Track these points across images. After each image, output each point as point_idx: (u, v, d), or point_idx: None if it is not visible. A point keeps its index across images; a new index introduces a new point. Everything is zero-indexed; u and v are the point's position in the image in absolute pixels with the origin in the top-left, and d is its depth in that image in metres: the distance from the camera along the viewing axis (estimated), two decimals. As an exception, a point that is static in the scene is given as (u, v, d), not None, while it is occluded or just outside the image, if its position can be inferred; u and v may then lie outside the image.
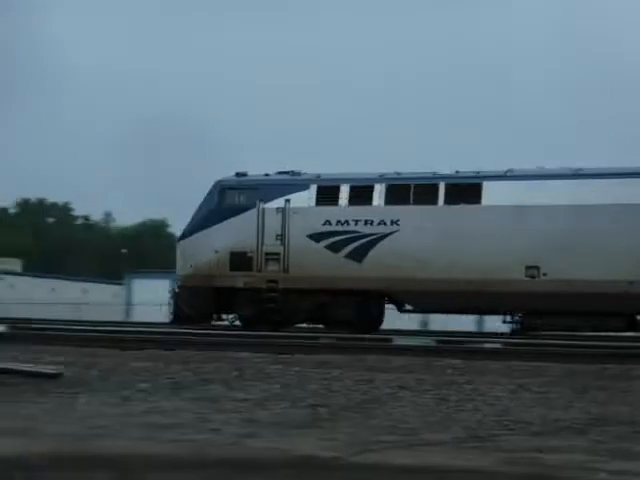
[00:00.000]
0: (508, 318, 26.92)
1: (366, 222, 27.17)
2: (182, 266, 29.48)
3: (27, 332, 24.89)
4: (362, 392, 13.30)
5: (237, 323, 29.73)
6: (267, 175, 29.27)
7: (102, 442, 9.22)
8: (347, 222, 27.34)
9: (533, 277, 25.45)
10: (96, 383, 14.63)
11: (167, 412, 11.33)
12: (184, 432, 9.63)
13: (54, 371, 15.54)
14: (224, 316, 29.86)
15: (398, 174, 27.61)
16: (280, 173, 29.19)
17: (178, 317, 29.65)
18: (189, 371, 15.92)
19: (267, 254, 27.83)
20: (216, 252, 28.53)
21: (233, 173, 29.43)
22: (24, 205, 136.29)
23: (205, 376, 15.23)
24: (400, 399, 12.54)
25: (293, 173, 29.11)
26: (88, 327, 29.90)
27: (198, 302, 28.32)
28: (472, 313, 32.24)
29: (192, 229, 29.66)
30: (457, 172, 27.24)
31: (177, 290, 29.51)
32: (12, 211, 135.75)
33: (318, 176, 28.61)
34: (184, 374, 15.51)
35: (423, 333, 31.09)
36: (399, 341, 22.68)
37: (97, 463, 7.96)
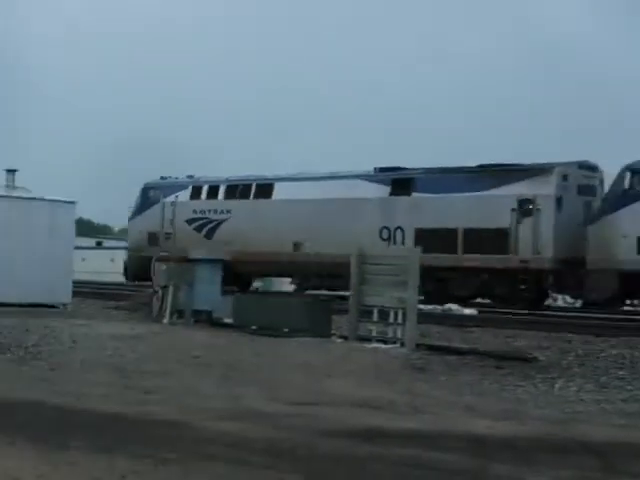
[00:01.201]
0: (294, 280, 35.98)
1: (215, 211, 37.11)
2: None
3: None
4: None
5: None
6: (177, 179, 39.70)
7: (582, 427, 9.69)
8: (204, 212, 37.48)
9: (298, 250, 34.06)
10: (573, 369, 15.02)
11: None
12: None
13: (531, 355, 16.26)
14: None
15: (239, 177, 37.27)
16: (187, 176, 39.30)
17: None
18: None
19: (165, 234, 36.32)
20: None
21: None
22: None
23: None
24: None
25: (189, 176, 39.42)
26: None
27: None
28: (275, 276, 39.50)
29: None
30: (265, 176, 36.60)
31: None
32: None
33: (197, 179, 38.91)
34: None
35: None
36: None
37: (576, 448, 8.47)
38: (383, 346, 17.50)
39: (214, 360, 14.90)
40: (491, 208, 29.45)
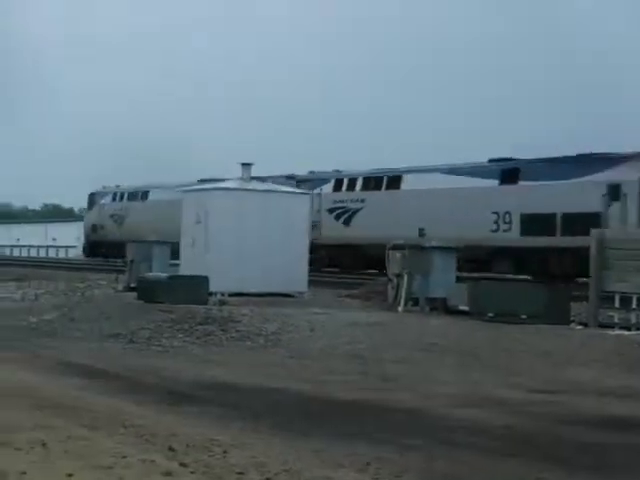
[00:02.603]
0: None
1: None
2: None
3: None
4: None
5: None
6: (118, 186, 55.00)
7: None
8: (121, 210, 52.12)
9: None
10: None
11: None
12: None
13: None
14: None
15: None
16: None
17: None
18: None
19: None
20: None
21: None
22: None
23: None
24: None
25: (117, 186, 54.68)
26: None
27: None
28: None
29: None
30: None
31: None
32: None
33: (117, 186, 54.51)
34: None
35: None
36: None
37: None
38: (626, 333, 16.86)
39: (450, 347, 14.82)
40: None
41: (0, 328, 17.54)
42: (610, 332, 16.87)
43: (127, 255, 26.77)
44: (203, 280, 20.55)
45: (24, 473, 6.57)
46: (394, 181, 37.53)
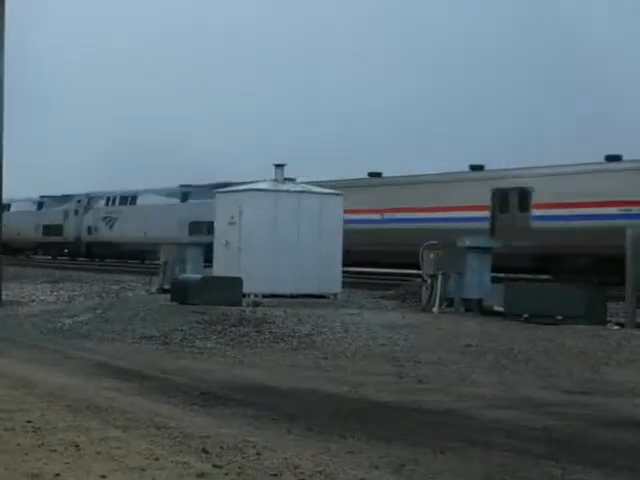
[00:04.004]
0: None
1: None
2: None
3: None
4: None
5: None
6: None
7: None
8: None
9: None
10: None
11: None
12: None
13: None
14: None
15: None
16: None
17: None
18: None
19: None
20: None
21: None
22: None
23: None
24: None
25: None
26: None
27: None
28: None
29: None
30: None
31: None
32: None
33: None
34: None
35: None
36: None
37: None
38: (663, 333, 16.65)
39: (486, 348, 14.70)
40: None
41: (34, 330, 17.64)
42: (647, 333, 16.68)
43: (160, 257, 26.88)
44: (237, 281, 20.54)
45: (58, 475, 6.58)
46: (134, 199, 53.69)
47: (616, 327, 17.48)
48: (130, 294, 24.77)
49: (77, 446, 7.40)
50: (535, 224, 31.31)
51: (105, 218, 55.60)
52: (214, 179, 43.54)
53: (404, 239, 31.83)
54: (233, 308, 18.39)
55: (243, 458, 7.19)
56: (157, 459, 7.04)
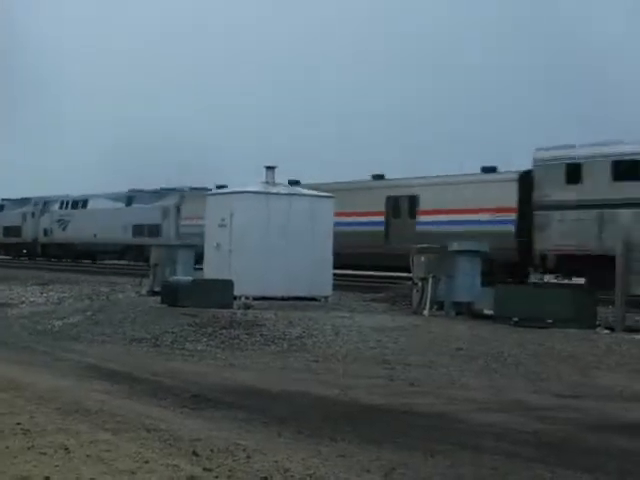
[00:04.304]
0: None
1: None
2: None
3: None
4: None
5: None
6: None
7: None
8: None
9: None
10: None
11: None
12: None
13: None
14: None
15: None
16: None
17: None
18: None
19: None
20: None
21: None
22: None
23: None
24: None
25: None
26: None
27: None
28: None
29: None
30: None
31: None
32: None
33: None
34: None
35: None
36: None
37: None
38: (653, 337, 16.69)
39: (476, 352, 14.71)
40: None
41: (24, 332, 17.59)
42: (636, 336, 16.70)
43: (151, 259, 26.82)
44: (227, 284, 20.52)
45: (47, 478, 6.56)
46: (85, 203, 57.08)
47: (606, 331, 17.52)
48: (120, 296, 24.71)
49: (67, 449, 7.38)
50: (419, 229, 33.18)
51: (59, 221, 58.94)
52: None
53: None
54: (224, 310, 18.38)
55: (233, 461, 7.18)
56: (147, 462, 7.03)
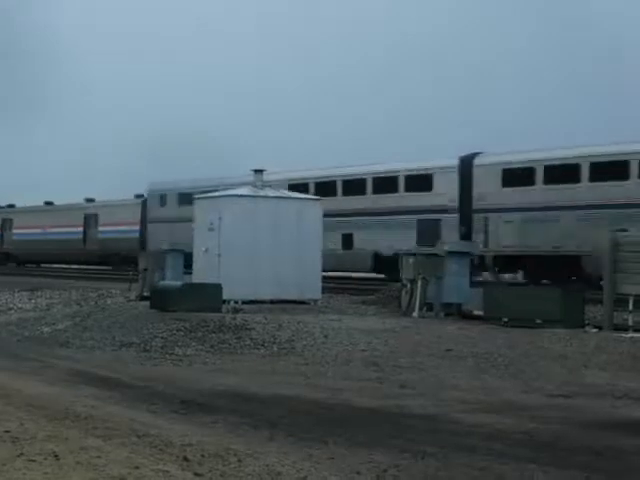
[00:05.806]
0: None
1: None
2: None
3: None
4: None
5: None
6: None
7: None
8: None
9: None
10: None
11: None
12: None
13: None
14: None
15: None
16: None
17: None
18: None
19: None
20: None
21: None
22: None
23: None
24: None
25: None
26: None
27: None
28: None
29: None
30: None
31: None
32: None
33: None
34: None
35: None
36: None
37: None
38: (641, 335, 16.72)
39: (466, 353, 14.72)
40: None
41: (12, 338, 17.53)
42: (624, 335, 16.74)
43: (140, 264, 26.77)
44: (216, 288, 20.49)
45: (37, 485, 6.52)
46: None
47: (594, 330, 17.55)
48: (109, 301, 24.65)
49: (56, 456, 7.34)
50: (100, 236, 50.78)
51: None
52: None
53: (57, 246, 53.53)
54: (213, 315, 18.35)
55: (224, 465, 7.16)
56: (137, 468, 7.00)
